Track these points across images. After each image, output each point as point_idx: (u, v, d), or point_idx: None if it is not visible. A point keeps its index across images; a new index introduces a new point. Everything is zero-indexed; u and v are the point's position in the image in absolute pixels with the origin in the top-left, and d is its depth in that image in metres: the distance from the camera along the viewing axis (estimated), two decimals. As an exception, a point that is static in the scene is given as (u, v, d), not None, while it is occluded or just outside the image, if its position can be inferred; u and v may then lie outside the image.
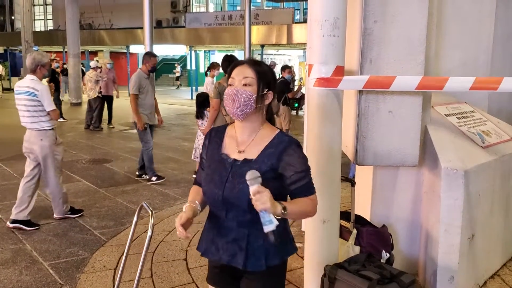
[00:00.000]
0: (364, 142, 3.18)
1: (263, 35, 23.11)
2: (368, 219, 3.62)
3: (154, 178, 7.04)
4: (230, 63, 6.27)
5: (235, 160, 1.98)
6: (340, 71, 2.96)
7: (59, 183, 5.34)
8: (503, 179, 3.64)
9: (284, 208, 1.78)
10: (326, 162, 2.99)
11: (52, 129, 5.14)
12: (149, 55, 7.16)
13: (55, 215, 5.43)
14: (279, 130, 2.03)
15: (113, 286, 3.79)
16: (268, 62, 24.15)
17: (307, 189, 1.93)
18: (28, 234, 4.91)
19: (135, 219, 2.41)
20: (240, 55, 22.33)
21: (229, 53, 6.90)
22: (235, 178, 1.93)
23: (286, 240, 2.07)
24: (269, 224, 1.72)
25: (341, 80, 2.92)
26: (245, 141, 1.99)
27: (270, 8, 28.32)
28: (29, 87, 4.94)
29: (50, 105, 5.00)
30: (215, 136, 2.11)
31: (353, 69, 3.27)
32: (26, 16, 19.33)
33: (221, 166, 1.99)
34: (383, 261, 3.19)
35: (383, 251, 3.23)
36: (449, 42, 4.00)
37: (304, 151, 2.95)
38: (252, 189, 1.73)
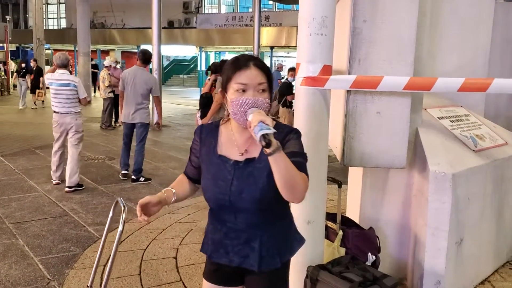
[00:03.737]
0: (351, 142, 3.14)
1: (273, 36, 23.11)
2: (357, 221, 3.58)
3: (142, 179, 7.04)
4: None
5: (236, 161, 1.88)
6: (327, 70, 2.93)
7: (79, 155, 6.62)
8: (495, 183, 3.58)
9: (279, 146, 1.63)
10: (312, 161, 2.94)
11: (80, 111, 6.65)
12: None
13: (67, 185, 6.41)
14: (275, 122, 1.91)
15: (101, 283, 3.78)
16: (276, 64, 24.14)
17: (300, 167, 1.76)
18: (22, 229, 4.93)
19: (110, 214, 2.39)
20: (249, 56, 22.25)
21: (224, 58, 7.01)
22: (240, 181, 1.85)
23: (293, 232, 2.03)
24: (266, 129, 1.61)
25: (328, 80, 2.89)
26: (245, 142, 1.89)
27: (282, 10, 28.30)
28: (69, 80, 6.36)
29: (84, 93, 6.50)
30: (209, 135, 1.98)
31: (343, 69, 3.23)
32: (38, 14, 19.54)
33: (221, 170, 1.89)
34: (368, 263, 3.16)
35: (369, 253, 3.19)
36: (445, 44, 3.95)
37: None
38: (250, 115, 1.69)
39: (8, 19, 28.37)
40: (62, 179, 6.67)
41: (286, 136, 1.87)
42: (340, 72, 3.24)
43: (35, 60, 19.47)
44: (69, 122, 6.42)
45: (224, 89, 1.88)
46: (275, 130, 1.63)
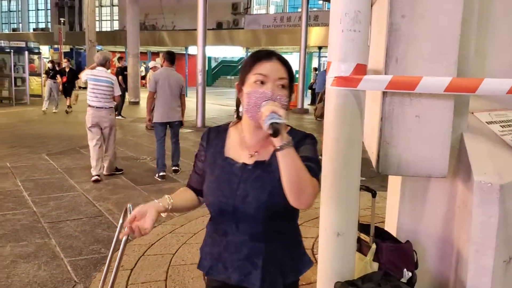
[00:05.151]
0: (387, 148, 2.89)
1: (322, 36, 22.77)
2: (395, 233, 3.31)
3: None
4: None
5: (244, 164, 1.74)
6: (361, 69, 2.70)
7: (115, 146, 7.49)
8: (552, 196, 3.22)
9: (290, 141, 1.51)
10: (343, 168, 2.74)
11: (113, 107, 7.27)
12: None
13: (104, 172, 7.19)
14: (290, 127, 1.78)
15: (126, 287, 3.70)
16: (324, 65, 23.75)
17: (312, 172, 1.61)
18: (56, 229, 4.93)
19: (120, 221, 2.27)
20: (296, 56, 22.05)
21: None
22: (247, 185, 1.70)
23: (300, 253, 1.87)
24: (276, 119, 1.50)
25: (361, 80, 2.66)
26: (256, 144, 1.74)
27: (331, 10, 27.89)
28: (107, 77, 6.93)
29: (118, 91, 7.15)
30: (216, 137, 1.85)
31: (381, 68, 2.99)
32: (91, 16, 20.07)
33: (227, 173, 1.75)
34: (404, 280, 2.89)
35: (405, 269, 2.92)
36: (497, 41, 3.61)
37: (324, 155, 2.72)
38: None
39: (62, 21, 29.36)
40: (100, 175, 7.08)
41: (302, 140, 1.73)
42: (377, 72, 3.00)
43: (69, 60, 17.08)
44: (104, 116, 6.96)
45: (242, 82, 1.73)
46: (286, 121, 1.53)
